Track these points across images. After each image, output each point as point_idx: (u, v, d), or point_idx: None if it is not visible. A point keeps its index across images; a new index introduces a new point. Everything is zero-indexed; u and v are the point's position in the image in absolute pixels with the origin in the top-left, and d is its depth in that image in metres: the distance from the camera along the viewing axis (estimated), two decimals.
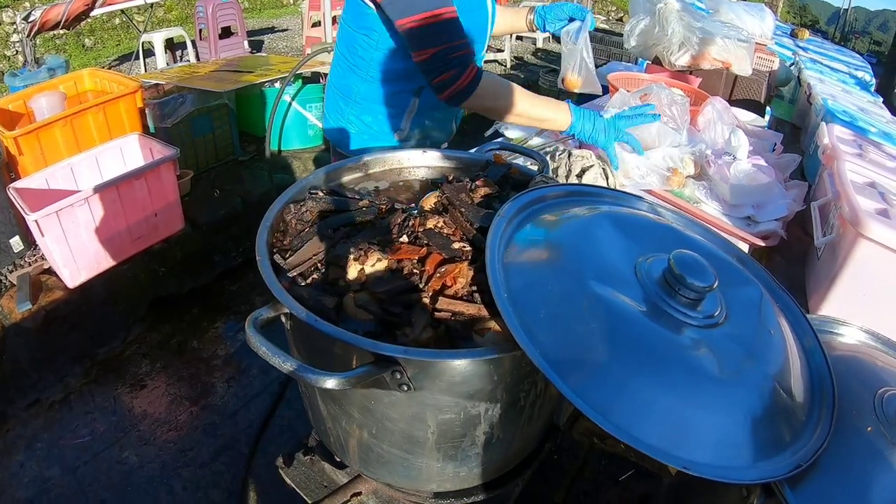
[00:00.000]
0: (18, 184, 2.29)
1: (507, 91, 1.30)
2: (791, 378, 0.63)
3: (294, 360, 0.56)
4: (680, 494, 0.87)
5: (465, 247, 0.67)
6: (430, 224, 0.71)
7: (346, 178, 0.92)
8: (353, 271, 0.68)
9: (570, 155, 1.38)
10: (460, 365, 0.58)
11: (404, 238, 0.70)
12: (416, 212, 0.77)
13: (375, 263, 0.68)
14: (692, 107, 1.83)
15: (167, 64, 4.95)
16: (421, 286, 0.64)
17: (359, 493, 0.94)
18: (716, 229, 1.34)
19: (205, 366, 2.42)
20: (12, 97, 2.91)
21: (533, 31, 1.65)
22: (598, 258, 0.62)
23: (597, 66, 1.91)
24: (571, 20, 1.55)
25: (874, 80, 3.99)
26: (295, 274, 0.70)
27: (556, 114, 1.34)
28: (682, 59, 2.45)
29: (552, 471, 1.14)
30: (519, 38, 7.29)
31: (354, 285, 0.67)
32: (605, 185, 1.32)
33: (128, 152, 2.78)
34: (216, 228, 2.95)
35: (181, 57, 5.31)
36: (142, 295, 2.70)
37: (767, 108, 2.86)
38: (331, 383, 0.54)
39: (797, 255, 1.44)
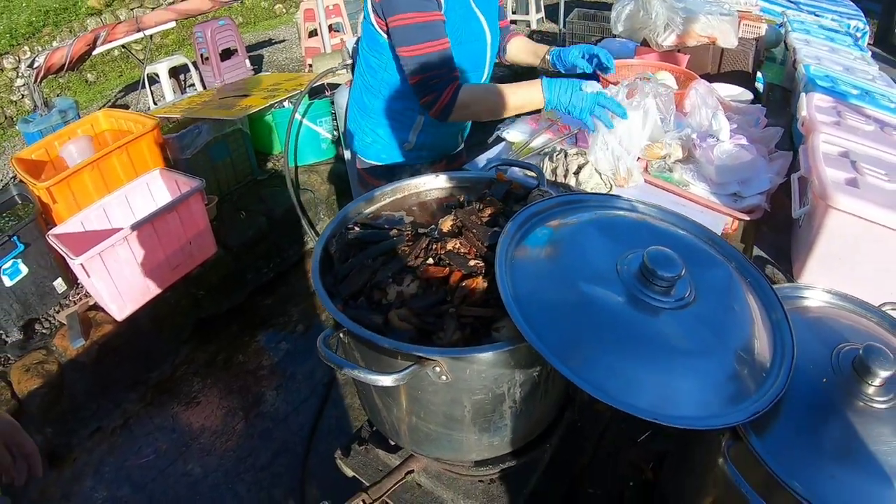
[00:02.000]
0: (56, 230, 2.48)
1: (484, 95, 1.45)
2: (754, 343, 0.77)
3: (360, 368, 0.72)
4: (683, 447, 1.01)
5: (479, 263, 0.82)
6: (449, 246, 0.86)
7: (374, 207, 1.07)
8: (392, 293, 0.84)
9: (566, 155, 1.51)
10: (484, 357, 0.73)
11: (430, 260, 0.86)
12: (436, 235, 0.93)
13: (410, 284, 0.84)
14: (680, 89, 1.95)
15: (173, 91, 5.13)
16: (448, 299, 0.79)
17: (412, 471, 1.11)
18: (704, 208, 1.48)
19: (252, 377, 2.61)
20: (33, 148, 3.09)
21: (547, 68, 1.75)
22: (585, 261, 0.77)
23: (594, 44, 2.03)
24: (588, 58, 1.66)
25: (867, 27, 4.01)
26: (346, 298, 0.86)
27: (532, 94, 1.43)
28: (668, 40, 2.56)
29: (577, 437, 1.29)
30: (513, 21, 7.33)
31: (395, 303, 0.83)
32: (598, 180, 1.45)
33: (154, 187, 2.96)
34: (246, 248, 3.13)
35: (185, 81, 5.48)
36: (185, 319, 2.89)
37: (758, 75, 2.94)
38: (388, 381, 0.70)
39: (784, 224, 1.56)
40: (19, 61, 5.70)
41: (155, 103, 5.19)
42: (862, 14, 3.99)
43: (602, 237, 0.82)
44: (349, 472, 1.20)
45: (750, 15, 3.06)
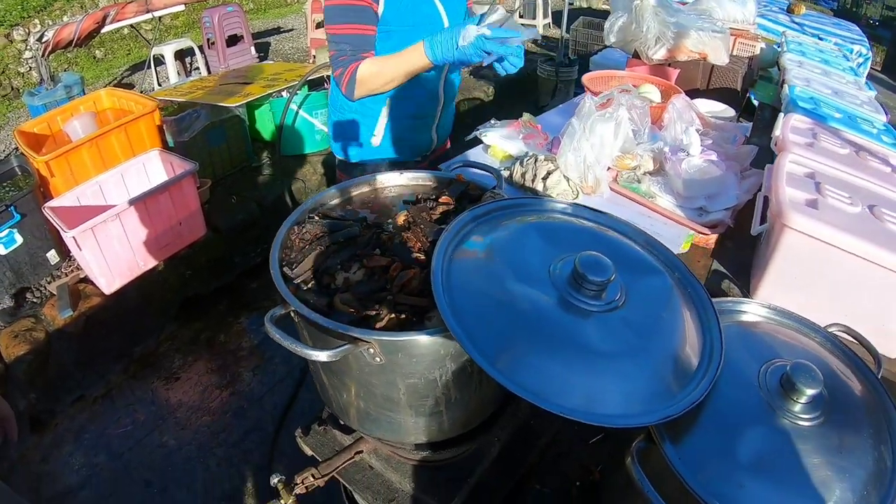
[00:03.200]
0: (52, 203, 2.54)
1: (379, 70, 1.44)
2: (682, 350, 0.81)
3: (299, 343, 0.78)
4: (618, 449, 1.07)
5: (420, 256, 0.88)
6: (396, 240, 0.92)
7: (338, 200, 1.12)
8: (339, 278, 0.89)
9: (536, 160, 1.57)
10: (413, 341, 0.78)
11: (377, 251, 0.91)
12: (390, 228, 0.98)
13: (356, 272, 0.89)
14: (663, 103, 1.99)
15: (178, 74, 5.19)
16: (388, 287, 0.85)
17: (360, 452, 1.17)
18: (668, 220, 1.53)
19: (232, 357, 2.67)
20: (36, 121, 3.15)
21: None
22: (520, 263, 0.82)
23: (593, 53, 2.04)
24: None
25: (870, 53, 4.04)
26: (299, 281, 0.91)
27: (418, 58, 1.37)
28: (658, 53, 2.60)
29: (529, 434, 1.35)
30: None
31: (342, 288, 0.88)
32: (565, 186, 1.51)
33: (150, 167, 3.02)
34: (235, 232, 3.19)
35: (191, 64, 5.54)
36: (172, 296, 2.96)
37: (749, 93, 2.98)
38: (322, 356, 0.76)
39: (749, 241, 1.60)
40: (29, 34, 5.73)
41: (159, 84, 5.26)
42: (866, 40, 4.03)
43: (541, 240, 0.87)
44: (308, 451, 1.27)
45: (746, 33, 3.10)
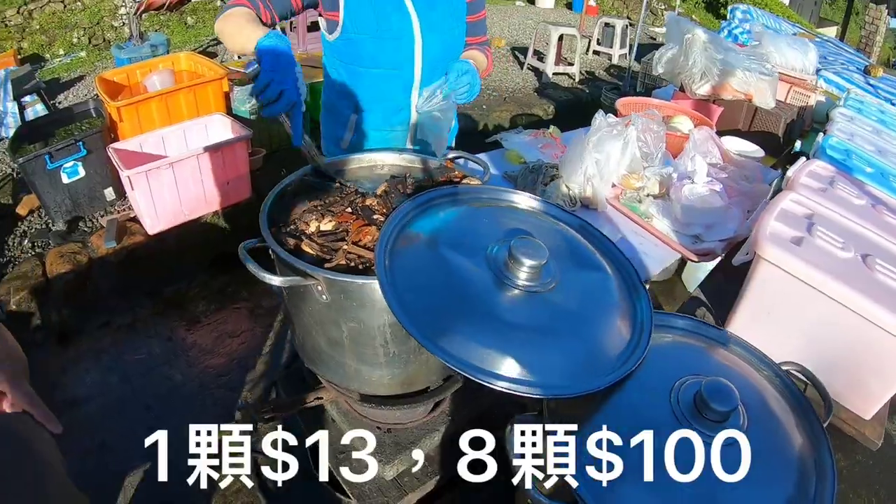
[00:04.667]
0: (117, 145, 2.78)
1: (230, 21, 1.30)
2: (604, 336, 0.87)
3: (260, 268, 0.90)
4: None
5: (381, 218, 0.98)
6: (367, 202, 1.02)
7: (337, 170, 1.24)
8: (311, 227, 1.01)
9: (543, 166, 1.64)
10: (350, 283, 0.87)
11: (349, 209, 1.02)
12: (370, 193, 1.09)
13: (327, 223, 1.01)
14: None
15: None
16: (345, 238, 0.95)
17: (321, 398, 1.28)
18: (659, 241, 1.57)
19: (250, 313, 2.84)
20: (117, 71, 3.45)
21: None
22: (461, 239, 0.91)
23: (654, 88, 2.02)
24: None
25: None
26: (281, 226, 1.04)
27: (248, 41, 1.18)
28: (702, 89, 2.62)
29: (490, 420, 1.42)
30: (595, 52, 7.41)
31: (312, 234, 1.00)
32: (564, 192, 1.58)
33: (211, 129, 3.24)
34: None
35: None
36: (208, 249, 3.15)
37: (798, 143, 2.93)
38: (276, 281, 0.88)
39: (740, 276, 1.61)
40: None
41: (239, 58, 5.59)
42: None
43: (488, 225, 0.95)
44: (283, 395, 1.40)
45: (804, 83, 3.06)
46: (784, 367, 1.07)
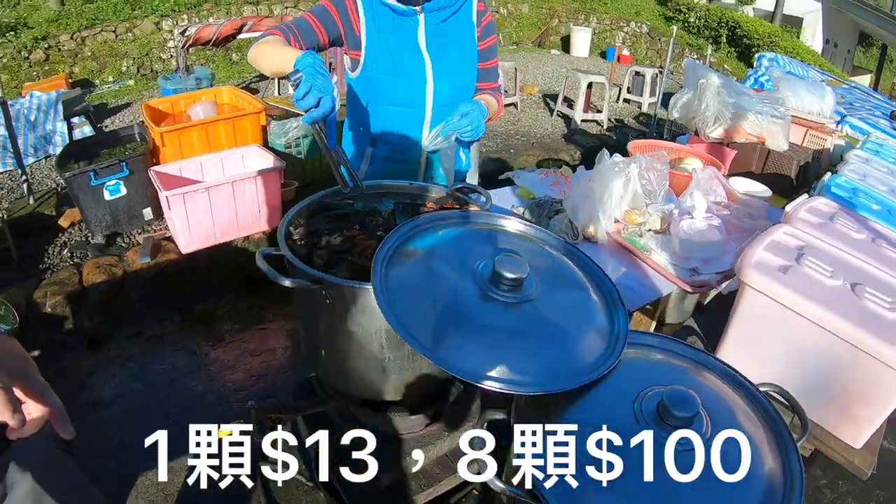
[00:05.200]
0: (158, 168, 2.99)
1: (267, 45, 1.42)
2: (578, 344, 0.94)
3: (272, 270, 1.00)
4: None
5: (383, 234, 1.09)
6: (374, 222, 1.13)
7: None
8: (323, 240, 1.12)
9: (551, 202, 1.74)
10: (349, 287, 0.97)
11: (357, 227, 1.14)
12: (377, 215, 1.21)
13: (336, 238, 1.12)
14: None
15: None
16: (350, 250, 1.06)
17: (327, 405, 1.36)
18: (655, 272, 1.63)
19: (273, 335, 2.97)
20: (162, 100, 3.72)
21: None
22: (453, 255, 1.00)
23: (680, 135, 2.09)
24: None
25: None
26: (296, 237, 1.15)
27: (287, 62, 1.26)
28: (715, 132, 2.69)
29: None
30: (626, 101, 7.58)
31: (323, 247, 1.11)
32: (567, 226, 1.66)
33: (247, 159, 3.44)
34: None
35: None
36: (237, 271, 3.31)
37: (815, 185, 2.95)
38: (287, 282, 0.97)
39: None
40: (175, 26, 6.55)
41: (279, 93, 5.90)
42: None
43: (479, 244, 1.05)
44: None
45: (821, 127, 3.11)
46: (762, 389, 1.09)
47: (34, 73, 6.15)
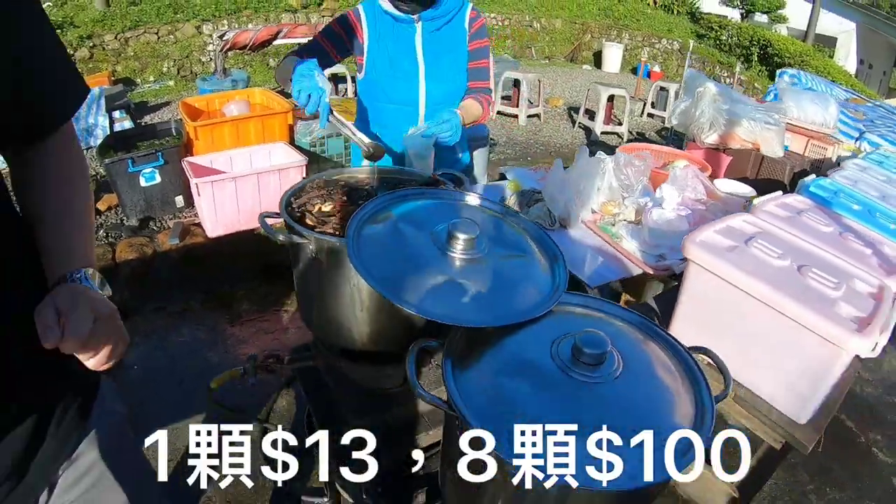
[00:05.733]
0: (191, 158, 3.26)
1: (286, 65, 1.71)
2: (518, 292, 1.09)
3: (269, 228, 1.19)
4: None
5: (362, 203, 1.27)
6: (359, 194, 1.33)
7: (348, 175, 1.55)
8: (315, 208, 1.31)
9: (533, 193, 1.91)
10: (327, 241, 1.15)
11: (345, 198, 1.33)
12: (363, 189, 1.40)
13: (326, 206, 1.31)
14: None
15: (330, 92, 6.11)
16: (336, 216, 1.25)
17: (318, 361, 1.55)
18: (622, 256, 1.78)
19: (288, 317, 3.18)
20: (198, 98, 4.01)
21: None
22: (417, 220, 1.18)
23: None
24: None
25: None
26: (295, 206, 1.35)
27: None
28: (710, 138, 2.82)
29: None
30: (650, 115, 7.67)
31: (314, 213, 1.30)
32: (545, 213, 1.83)
33: (274, 154, 3.69)
34: None
35: (342, 90, 6.47)
36: (258, 258, 3.53)
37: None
38: (280, 237, 1.17)
39: None
40: (215, 30, 6.89)
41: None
42: None
43: (441, 212, 1.23)
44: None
45: (824, 137, 3.19)
46: (694, 354, 1.15)
47: (79, 70, 6.51)
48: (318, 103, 1.46)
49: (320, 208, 1.31)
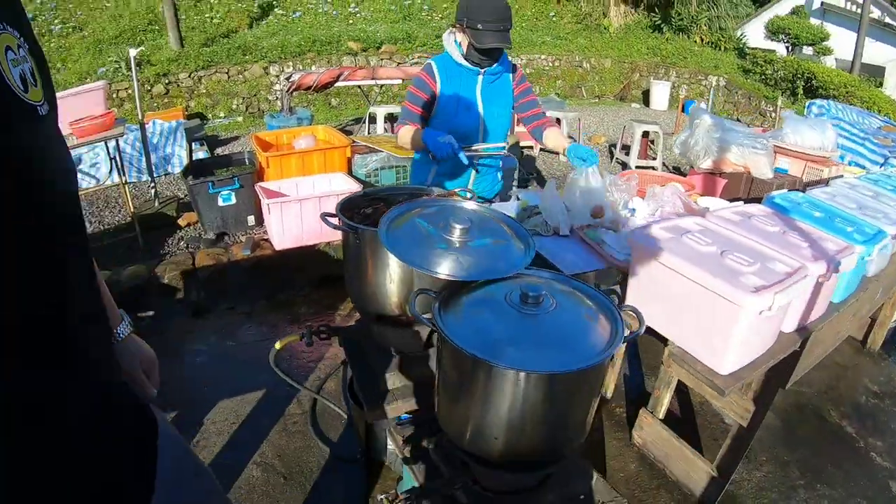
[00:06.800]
0: (262, 184, 3.88)
1: (404, 135, 2.39)
2: (498, 262, 1.57)
3: (328, 221, 1.72)
4: None
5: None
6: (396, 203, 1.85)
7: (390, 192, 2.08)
8: (361, 211, 1.84)
9: (532, 206, 2.38)
10: (367, 230, 1.64)
11: (383, 204, 1.85)
12: (398, 199, 1.92)
13: (372, 210, 1.84)
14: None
15: (385, 131, 6.66)
16: (375, 216, 1.77)
17: (366, 332, 2.06)
18: (597, 255, 2.21)
19: (340, 319, 3.70)
20: (269, 133, 4.68)
21: (564, 154, 2.45)
22: (430, 218, 1.67)
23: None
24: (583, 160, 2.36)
25: None
26: (349, 209, 1.88)
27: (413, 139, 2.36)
28: (705, 163, 3.21)
29: None
30: None
31: (361, 214, 1.82)
32: (541, 222, 2.29)
33: (333, 182, 4.25)
34: None
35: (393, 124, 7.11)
36: (318, 269, 4.05)
37: None
38: (334, 221, 1.69)
39: None
40: (281, 72, 7.60)
41: (368, 134, 6.84)
42: None
43: (447, 214, 1.72)
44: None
45: (821, 160, 3.49)
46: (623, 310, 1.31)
47: (155, 105, 7.17)
48: (454, 148, 2.11)
49: (364, 211, 1.84)
